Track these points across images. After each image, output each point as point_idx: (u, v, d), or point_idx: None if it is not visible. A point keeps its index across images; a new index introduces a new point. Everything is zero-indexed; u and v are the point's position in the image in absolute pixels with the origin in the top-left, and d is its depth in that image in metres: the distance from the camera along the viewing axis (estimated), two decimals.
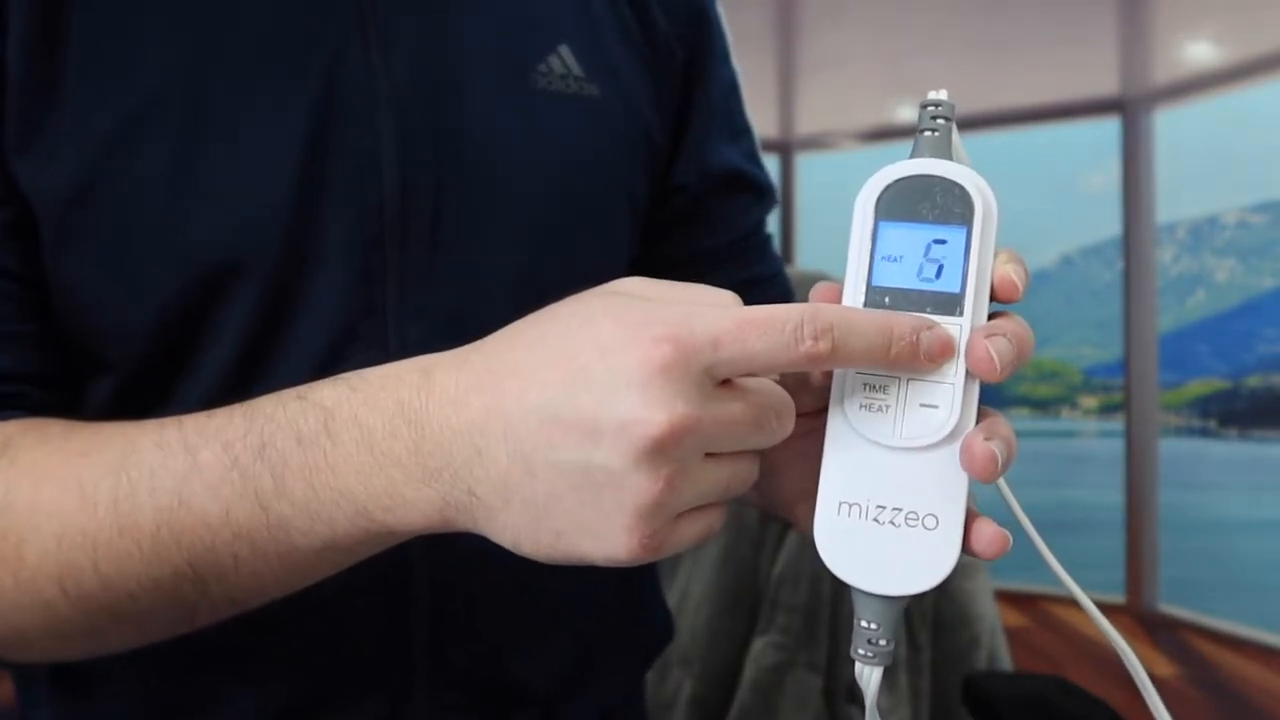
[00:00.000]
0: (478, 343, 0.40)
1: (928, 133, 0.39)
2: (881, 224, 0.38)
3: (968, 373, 0.37)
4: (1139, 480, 4.26)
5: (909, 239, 0.38)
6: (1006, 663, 1.26)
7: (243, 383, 0.52)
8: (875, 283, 0.38)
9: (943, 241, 0.38)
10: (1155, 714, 0.41)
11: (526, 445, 0.36)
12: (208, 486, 0.41)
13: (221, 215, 0.51)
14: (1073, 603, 0.42)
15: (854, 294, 0.39)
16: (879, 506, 0.38)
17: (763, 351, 0.35)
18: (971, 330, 0.37)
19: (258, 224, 0.51)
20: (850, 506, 0.38)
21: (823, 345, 0.35)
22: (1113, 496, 4.47)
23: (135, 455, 0.43)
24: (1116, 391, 4.93)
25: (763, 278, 0.72)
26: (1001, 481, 0.41)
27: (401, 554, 0.52)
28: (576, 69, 0.60)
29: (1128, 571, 4.22)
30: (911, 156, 0.39)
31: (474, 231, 0.56)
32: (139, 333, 0.51)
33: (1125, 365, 4.36)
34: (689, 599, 1.26)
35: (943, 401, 0.37)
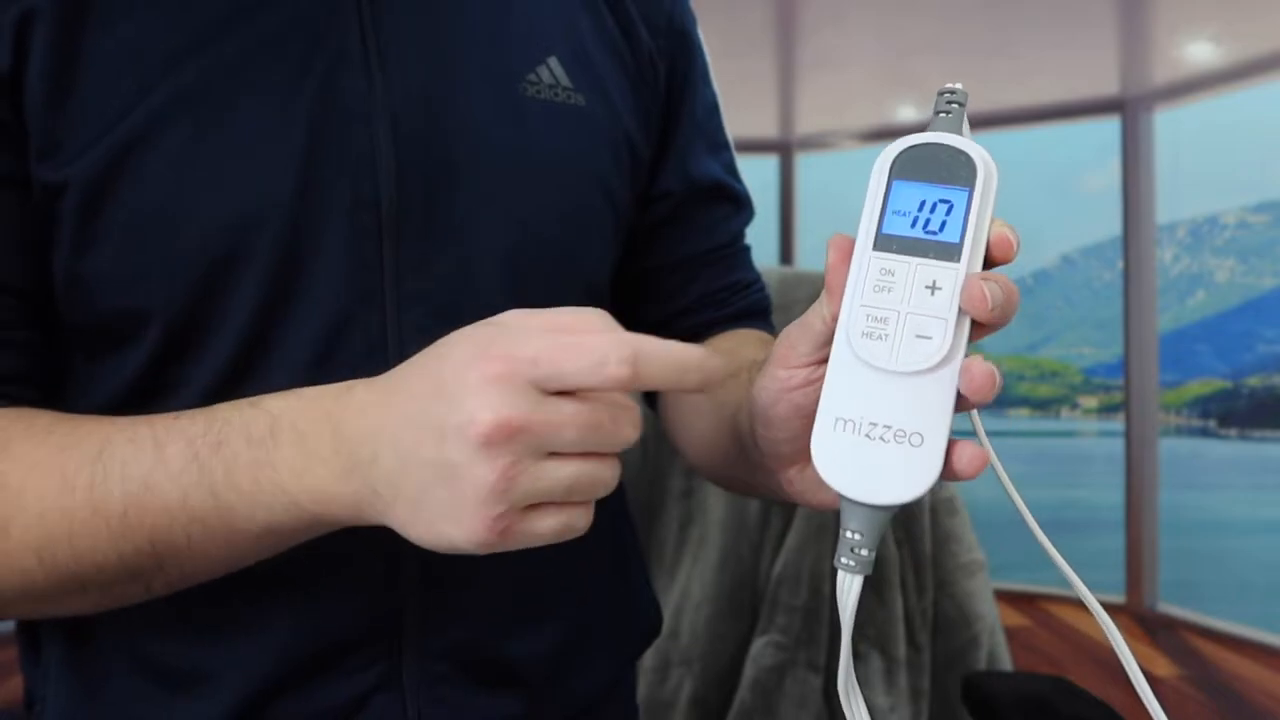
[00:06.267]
0: (390, 371, 0.47)
1: (942, 114, 0.44)
2: (895, 182, 0.43)
3: (960, 311, 0.41)
4: (1139, 480, 4.26)
5: (918, 196, 0.43)
6: (1006, 663, 1.26)
7: (248, 365, 0.56)
8: (884, 231, 0.43)
9: (947, 200, 0.42)
10: (1152, 713, 0.42)
11: (403, 448, 0.44)
12: (170, 476, 0.48)
13: (227, 208, 0.55)
14: (1073, 603, 0.43)
15: (865, 241, 0.43)
16: (871, 423, 0.42)
17: (572, 372, 0.42)
18: (966, 277, 0.42)
19: (261, 217, 0.55)
20: (846, 422, 0.42)
21: (622, 371, 0.42)
22: (1113, 496, 4.46)
23: (110, 449, 0.49)
24: (1116, 391, 4.93)
25: (742, 284, 0.77)
26: (1008, 483, 0.46)
27: (396, 534, 0.57)
28: (565, 80, 0.65)
29: (1127, 571, 4.21)
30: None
31: (465, 227, 0.60)
32: (152, 321, 0.56)
33: (1125, 365, 4.36)
34: (689, 599, 1.26)
35: (936, 333, 0.41)
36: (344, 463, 0.46)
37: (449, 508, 0.43)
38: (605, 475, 0.45)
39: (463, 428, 0.41)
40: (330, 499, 0.46)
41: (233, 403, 0.49)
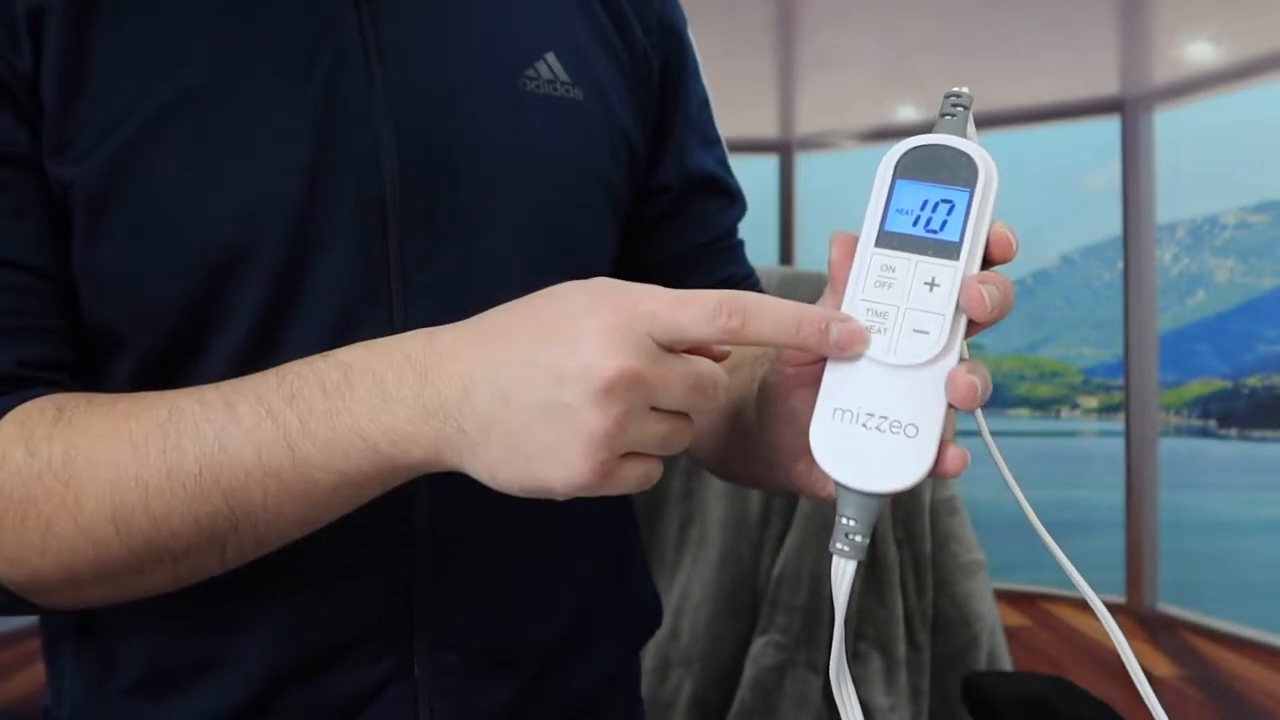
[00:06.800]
0: (474, 316, 0.48)
1: (947, 116, 0.45)
2: (899, 182, 0.44)
3: (957, 308, 0.43)
4: (1139, 480, 4.26)
5: (920, 195, 0.44)
6: (1006, 663, 1.26)
7: (253, 364, 0.56)
8: (887, 229, 0.44)
9: (949, 200, 0.43)
10: (1153, 712, 0.42)
11: (506, 386, 0.44)
12: (244, 432, 0.48)
13: (233, 207, 0.56)
14: (1073, 602, 0.43)
15: (868, 238, 0.44)
16: (868, 414, 0.43)
17: (688, 323, 0.43)
18: (965, 276, 0.43)
19: (267, 215, 0.56)
20: (844, 412, 0.44)
21: (734, 322, 0.43)
22: (1113, 496, 4.46)
23: (179, 413, 0.49)
24: (1116, 391, 4.93)
25: (737, 278, 0.77)
26: (1014, 484, 0.47)
27: (406, 528, 0.60)
28: (563, 75, 0.66)
29: (1127, 571, 4.21)
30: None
31: (468, 225, 0.61)
32: (159, 317, 0.56)
33: (1125, 365, 4.36)
34: (689, 599, 1.26)
35: (933, 329, 0.43)
36: (426, 403, 0.46)
37: (554, 449, 0.43)
38: (688, 435, 0.46)
39: (584, 374, 0.42)
40: (409, 439, 0.47)
41: (302, 359, 0.50)
